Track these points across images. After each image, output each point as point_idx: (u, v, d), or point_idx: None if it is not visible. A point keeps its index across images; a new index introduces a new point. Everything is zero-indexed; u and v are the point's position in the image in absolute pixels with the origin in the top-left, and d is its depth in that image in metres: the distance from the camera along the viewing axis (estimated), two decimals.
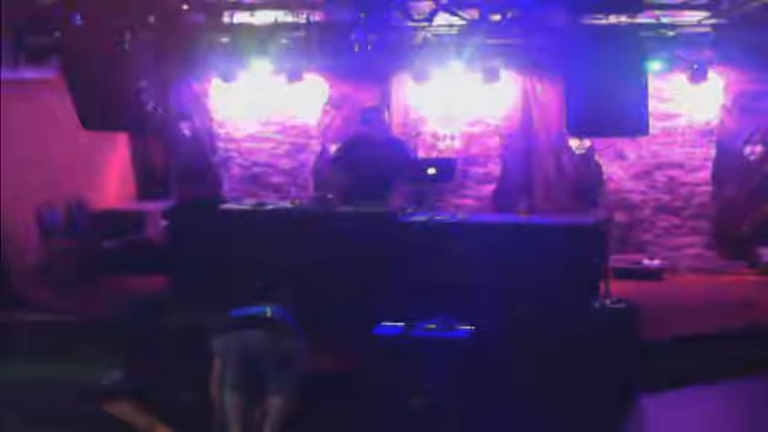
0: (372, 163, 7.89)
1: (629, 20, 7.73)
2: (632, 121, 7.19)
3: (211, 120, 10.40)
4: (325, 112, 10.11)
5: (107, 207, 9.93)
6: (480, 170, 9.86)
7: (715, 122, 9.33)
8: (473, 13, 7.87)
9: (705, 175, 9.41)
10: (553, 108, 9.50)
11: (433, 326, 5.88)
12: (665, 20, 8.02)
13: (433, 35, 8.64)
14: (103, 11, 7.51)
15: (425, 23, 8.13)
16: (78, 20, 7.48)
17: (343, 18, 8.12)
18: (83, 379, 6.45)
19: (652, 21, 7.92)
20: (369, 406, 5.68)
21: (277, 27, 8.50)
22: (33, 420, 5.84)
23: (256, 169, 10.36)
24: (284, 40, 8.87)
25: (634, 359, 5.99)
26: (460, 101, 9.78)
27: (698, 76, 8.84)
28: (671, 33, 8.24)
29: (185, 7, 8.01)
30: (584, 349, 5.77)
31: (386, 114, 8.46)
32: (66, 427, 5.82)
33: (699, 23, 8.12)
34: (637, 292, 7.28)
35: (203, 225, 7.75)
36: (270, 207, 8.03)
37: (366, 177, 7.97)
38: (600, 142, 9.35)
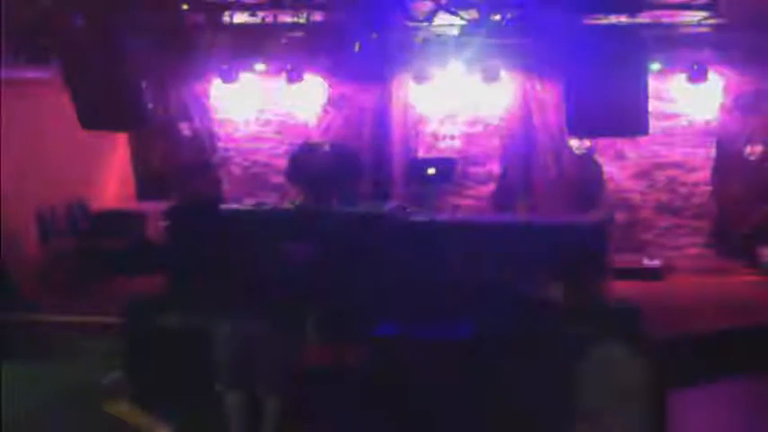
0: (320, 175, 8.00)
1: (629, 20, 7.73)
2: (632, 121, 7.18)
3: (211, 120, 10.41)
4: (326, 112, 10.12)
5: (107, 207, 9.93)
6: (480, 170, 9.87)
7: (715, 122, 9.34)
8: (473, 13, 7.87)
9: (705, 175, 9.41)
10: (553, 108, 9.51)
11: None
12: (665, 20, 8.02)
13: (433, 35, 8.64)
14: (103, 11, 7.51)
15: (425, 23, 8.13)
16: (78, 20, 7.48)
17: (343, 18, 8.12)
18: (83, 379, 6.45)
19: (652, 21, 7.92)
20: (369, 406, 5.68)
21: (277, 27, 8.50)
22: (34, 420, 5.84)
23: (256, 169, 10.37)
24: (284, 40, 8.88)
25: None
26: (460, 101, 9.79)
27: (698, 76, 8.85)
28: (671, 33, 8.24)
29: (185, 7, 8.01)
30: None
31: (325, 145, 8.64)
32: (66, 426, 5.82)
33: (699, 23, 8.12)
34: (637, 292, 7.28)
35: (203, 225, 7.74)
36: (270, 207, 8.04)
37: (316, 188, 8.04)
38: (600, 142, 9.35)
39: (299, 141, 10.14)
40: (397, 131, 9.93)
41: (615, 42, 7.12)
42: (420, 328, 5.92)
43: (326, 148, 8.56)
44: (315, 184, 7.87)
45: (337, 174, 8.01)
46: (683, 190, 9.46)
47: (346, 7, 8.01)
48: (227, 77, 9.61)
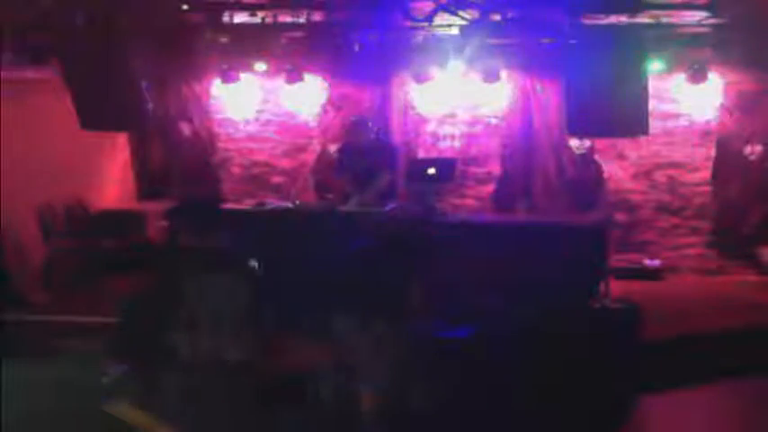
0: (364, 168, 7.97)
1: (629, 20, 7.73)
2: (632, 121, 7.19)
3: (211, 120, 10.40)
4: (326, 112, 10.12)
5: (107, 207, 9.93)
6: (480, 170, 9.87)
7: (715, 122, 9.33)
8: (473, 13, 7.87)
9: (705, 175, 9.41)
10: (553, 108, 9.51)
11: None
12: (665, 20, 8.03)
13: (433, 35, 8.64)
14: (103, 11, 7.51)
15: (425, 23, 8.13)
16: (78, 20, 7.48)
17: (343, 18, 8.13)
18: (83, 379, 6.44)
19: (652, 21, 7.92)
20: (368, 406, 5.67)
21: (277, 27, 8.50)
22: (34, 420, 5.84)
23: (256, 169, 10.37)
24: (284, 40, 8.88)
25: (634, 359, 5.99)
26: (460, 101, 9.79)
27: (698, 76, 8.84)
28: (671, 33, 8.24)
29: (185, 7, 8.01)
30: (585, 349, 5.77)
31: (370, 123, 8.55)
32: (66, 427, 5.82)
33: (699, 23, 8.12)
34: (637, 292, 7.28)
35: (203, 225, 7.74)
36: (270, 207, 8.04)
37: (361, 182, 8.02)
38: (600, 142, 9.35)
39: (302, 140, 10.19)
40: (397, 131, 9.93)
41: (615, 42, 7.12)
42: (420, 327, 5.91)
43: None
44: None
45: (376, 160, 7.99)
46: (683, 190, 9.45)
47: (346, 7, 8.01)
48: (227, 77, 9.61)
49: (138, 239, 9.49)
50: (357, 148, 8.17)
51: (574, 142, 9.21)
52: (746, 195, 9.24)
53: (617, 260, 8.56)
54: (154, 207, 9.46)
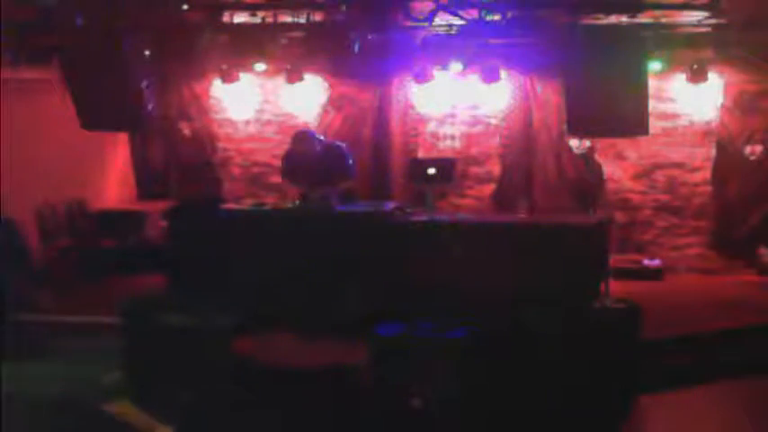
0: (313, 172, 7.98)
1: (629, 20, 7.74)
2: (632, 121, 7.19)
3: (211, 120, 10.41)
4: (326, 112, 10.12)
5: (107, 207, 9.93)
6: (480, 170, 9.87)
7: (715, 122, 9.33)
8: (473, 13, 7.87)
9: (705, 175, 9.41)
10: (553, 108, 9.51)
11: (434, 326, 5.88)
12: (664, 20, 8.03)
13: (433, 35, 8.65)
14: (103, 11, 7.52)
15: (425, 23, 8.14)
16: (79, 20, 7.49)
17: (343, 18, 8.14)
18: (83, 379, 6.44)
19: (652, 21, 7.93)
20: (369, 406, 5.68)
21: (277, 27, 8.51)
22: (34, 420, 5.84)
23: (256, 169, 10.37)
24: (284, 40, 8.88)
25: (634, 359, 5.99)
26: (460, 101, 9.79)
27: (698, 76, 8.84)
28: (671, 33, 8.25)
29: (185, 7, 8.02)
30: (585, 349, 5.77)
31: (317, 136, 8.58)
32: (66, 426, 5.82)
33: (699, 23, 8.13)
34: (637, 292, 7.28)
35: (203, 225, 7.75)
36: (270, 207, 8.04)
37: (310, 186, 8.02)
38: (600, 142, 9.35)
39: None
40: (397, 131, 9.93)
41: (615, 42, 7.13)
42: (420, 327, 5.91)
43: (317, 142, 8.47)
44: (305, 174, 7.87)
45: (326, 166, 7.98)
46: (683, 190, 9.46)
47: (346, 7, 8.02)
48: (227, 77, 9.62)
49: (138, 239, 9.49)
50: (302, 158, 8.19)
51: (574, 142, 9.21)
52: (746, 195, 9.24)
53: (617, 260, 8.56)
54: (154, 207, 9.47)
